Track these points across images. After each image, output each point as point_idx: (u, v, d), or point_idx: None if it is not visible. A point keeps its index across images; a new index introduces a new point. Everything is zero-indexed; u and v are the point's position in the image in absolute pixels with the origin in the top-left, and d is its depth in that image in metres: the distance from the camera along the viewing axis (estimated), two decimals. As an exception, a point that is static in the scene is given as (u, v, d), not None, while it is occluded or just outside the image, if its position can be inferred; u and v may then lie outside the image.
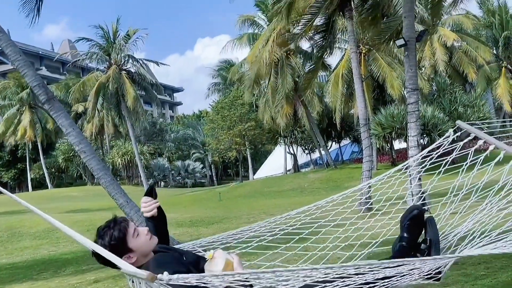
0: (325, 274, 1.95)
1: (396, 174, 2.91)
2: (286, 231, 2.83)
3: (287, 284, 1.89)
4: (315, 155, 41.95)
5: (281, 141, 40.61)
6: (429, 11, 20.06)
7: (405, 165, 3.00)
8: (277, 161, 46.45)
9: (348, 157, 42.78)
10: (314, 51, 21.24)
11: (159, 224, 2.59)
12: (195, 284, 1.79)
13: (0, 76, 65.38)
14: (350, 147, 43.03)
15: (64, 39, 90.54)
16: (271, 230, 2.80)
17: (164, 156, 57.86)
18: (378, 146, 28.38)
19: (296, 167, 41.73)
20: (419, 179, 3.93)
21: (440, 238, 2.57)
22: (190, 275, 1.77)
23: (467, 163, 2.62)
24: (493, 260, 5.88)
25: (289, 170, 42.48)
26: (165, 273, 1.71)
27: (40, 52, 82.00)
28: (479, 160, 2.52)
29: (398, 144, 32.10)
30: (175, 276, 1.71)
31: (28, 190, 48.37)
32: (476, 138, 2.58)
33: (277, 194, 27.88)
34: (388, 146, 30.17)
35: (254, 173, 47.94)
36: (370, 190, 3.29)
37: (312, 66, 24.53)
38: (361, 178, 15.52)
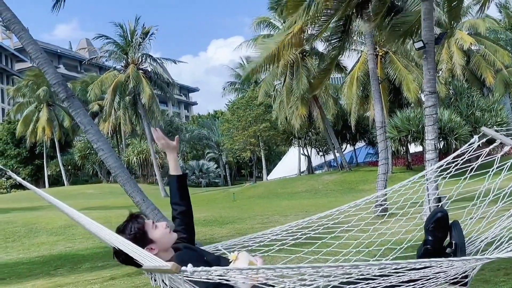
0: (349, 275, 1.95)
1: (420, 180, 2.90)
2: (309, 235, 2.83)
3: (312, 284, 1.89)
4: (330, 157, 41.80)
5: (296, 142, 40.55)
6: (446, 14, 19.88)
7: (428, 171, 2.99)
8: (291, 163, 46.36)
9: (362, 160, 42.59)
10: (328, 50, 21.04)
11: (185, 219, 2.66)
12: (217, 279, 1.80)
13: (19, 74, 66.27)
14: (364, 150, 42.86)
15: (82, 38, 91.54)
16: (293, 234, 2.80)
17: (178, 155, 58.06)
18: (393, 149, 28.22)
19: (310, 169, 41.62)
20: (436, 185, 3.90)
21: (466, 243, 2.55)
22: (213, 268, 1.79)
23: (493, 169, 2.61)
24: (512, 267, 5.81)
25: (303, 172, 42.37)
26: (189, 265, 1.73)
27: (59, 51, 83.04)
28: (506, 166, 2.52)
29: (413, 148, 31.85)
30: (200, 268, 1.73)
31: (45, 187, 48.93)
32: (501, 144, 2.57)
33: (290, 196, 27.85)
34: (403, 149, 29.98)
35: (268, 174, 47.91)
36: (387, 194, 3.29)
37: (325, 66, 24.33)
38: (377, 181, 15.45)
